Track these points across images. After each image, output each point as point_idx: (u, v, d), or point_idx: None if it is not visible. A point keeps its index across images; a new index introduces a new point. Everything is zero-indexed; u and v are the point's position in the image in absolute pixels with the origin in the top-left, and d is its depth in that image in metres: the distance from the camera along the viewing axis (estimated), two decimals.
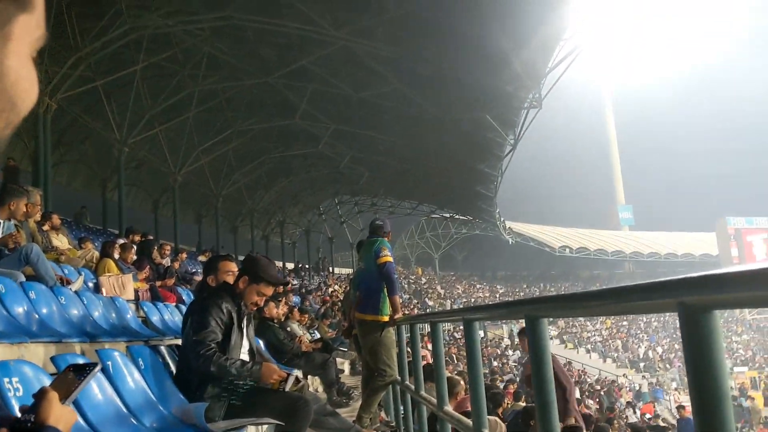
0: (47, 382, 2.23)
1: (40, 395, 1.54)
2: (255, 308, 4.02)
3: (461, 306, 44.50)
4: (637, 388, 28.44)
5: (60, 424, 1.50)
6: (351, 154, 29.96)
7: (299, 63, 20.57)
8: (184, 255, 12.87)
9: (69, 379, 1.68)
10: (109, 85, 20.59)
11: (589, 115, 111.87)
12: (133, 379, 3.09)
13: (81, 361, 2.49)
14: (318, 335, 11.17)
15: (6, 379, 2.14)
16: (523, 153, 21.89)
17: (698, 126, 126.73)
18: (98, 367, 1.80)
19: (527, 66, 17.53)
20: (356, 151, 29.64)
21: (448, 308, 41.59)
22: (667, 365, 36.41)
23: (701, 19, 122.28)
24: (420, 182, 34.30)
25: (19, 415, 1.56)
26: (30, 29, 0.54)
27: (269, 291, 3.94)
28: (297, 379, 3.80)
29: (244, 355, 3.79)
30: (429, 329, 6.12)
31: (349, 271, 44.53)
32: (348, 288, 15.40)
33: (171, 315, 7.34)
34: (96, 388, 2.67)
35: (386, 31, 18.07)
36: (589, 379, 27.42)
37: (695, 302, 1.06)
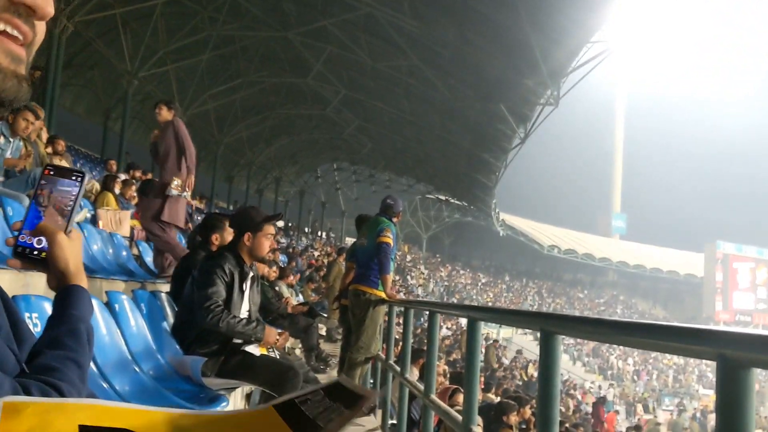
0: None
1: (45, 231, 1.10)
2: (271, 252, 3.92)
3: (443, 288, 44.85)
4: (602, 395, 28.73)
5: (80, 274, 1.13)
6: (357, 123, 29.85)
7: (321, 23, 20.40)
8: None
9: (54, 197, 1.12)
10: (127, 15, 20.36)
11: (599, 120, 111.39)
12: (137, 324, 3.11)
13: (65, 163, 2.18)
14: (302, 299, 11.19)
15: (26, 314, 2.05)
16: (527, 146, 21.76)
17: (703, 146, 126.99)
18: (87, 177, 1.15)
19: (550, 63, 17.40)
20: (362, 120, 29.53)
21: (431, 289, 41.79)
22: (635, 377, 36.86)
23: (725, 42, 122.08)
24: (421, 161, 34.21)
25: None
26: None
27: (272, 229, 3.86)
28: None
29: (243, 315, 3.80)
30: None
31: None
32: (336, 256, 15.43)
33: None
34: (104, 329, 2.69)
35: (413, 5, 17.91)
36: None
37: (736, 357, 1.09)
